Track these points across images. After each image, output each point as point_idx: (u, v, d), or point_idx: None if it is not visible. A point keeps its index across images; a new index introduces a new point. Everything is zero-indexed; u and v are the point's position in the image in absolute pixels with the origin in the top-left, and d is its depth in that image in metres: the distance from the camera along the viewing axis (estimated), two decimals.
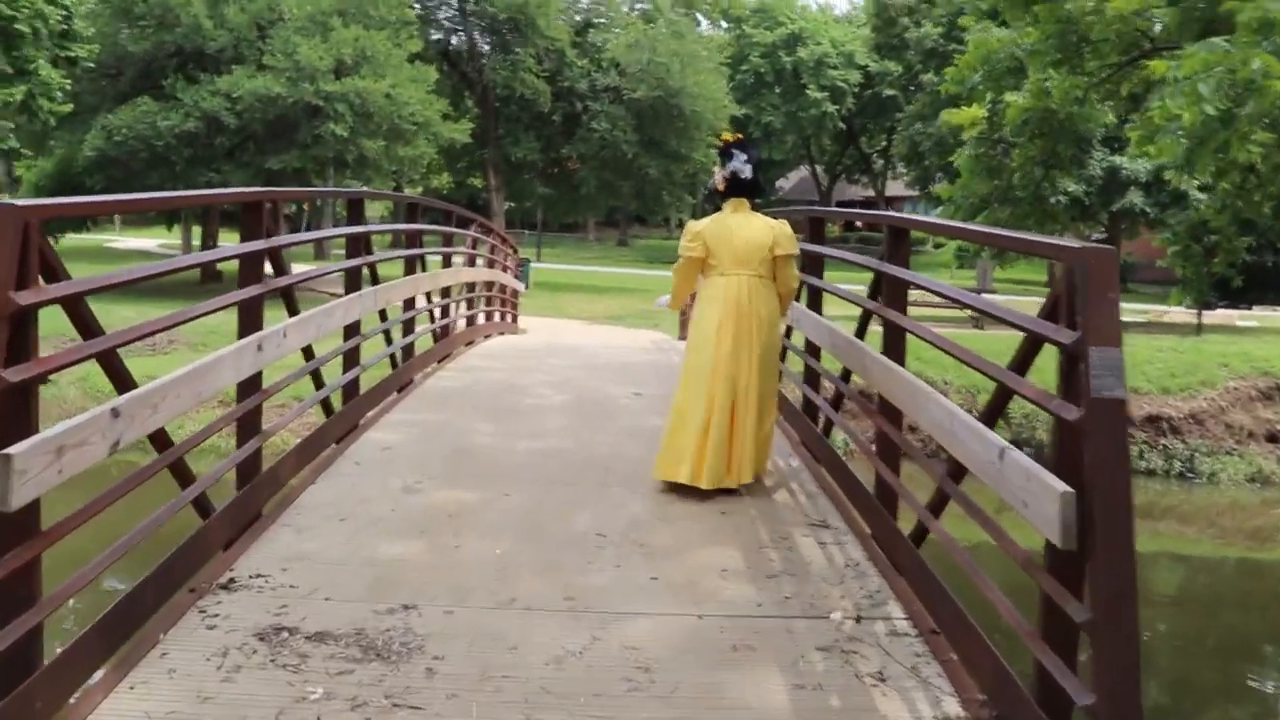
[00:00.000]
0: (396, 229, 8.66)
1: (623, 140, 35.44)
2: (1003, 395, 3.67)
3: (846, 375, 5.93)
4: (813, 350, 6.95)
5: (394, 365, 8.01)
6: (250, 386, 4.72)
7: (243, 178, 26.88)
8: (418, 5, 34.33)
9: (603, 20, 38.82)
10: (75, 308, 3.25)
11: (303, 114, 26.54)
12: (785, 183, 63.37)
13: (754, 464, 5.74)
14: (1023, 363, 3.46)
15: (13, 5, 20.37)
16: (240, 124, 26.48)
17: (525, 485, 5.65)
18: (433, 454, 6.24)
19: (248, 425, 4.80)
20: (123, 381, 3.51)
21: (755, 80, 52.22)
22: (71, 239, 37.32)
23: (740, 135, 6.18)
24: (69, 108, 23.03)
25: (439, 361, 9.84)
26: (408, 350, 8.47)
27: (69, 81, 22.98)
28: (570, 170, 38.33)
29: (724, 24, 56.85)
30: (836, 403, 6.24)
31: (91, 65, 25.01)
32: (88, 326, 3.34)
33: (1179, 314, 33.01)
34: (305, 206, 46.16)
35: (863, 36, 53.89)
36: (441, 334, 10.03)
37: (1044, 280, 27.28)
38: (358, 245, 6.72)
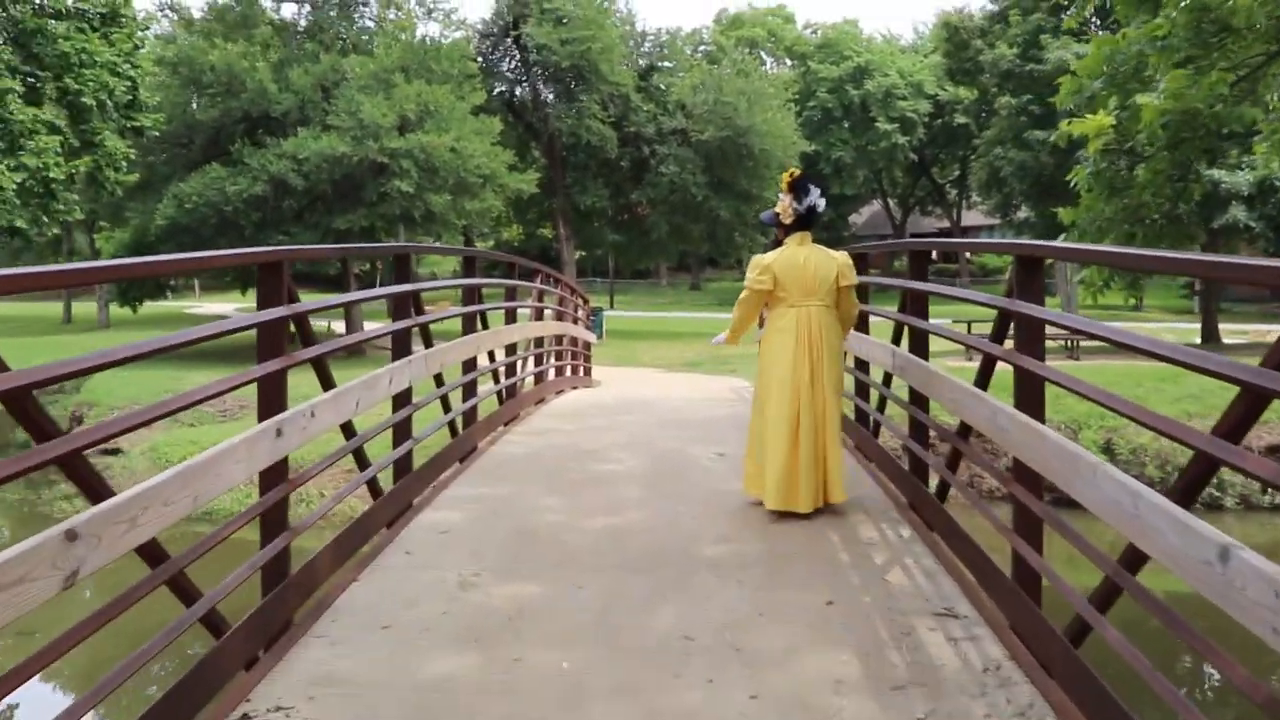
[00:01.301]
0: (451, 284, 8.02)
1: (692, 183, 34.89)
2: (1207, 468, 2.84)
3: (965, 431, 5.12)
4: (919, 401, 6.14)
5: (454, 433, 7.34)
6: (274, 475, 4.05)
7: (311, 239, 26.77)
8: (480, 58, 34.21)
9: (667, 63, 38.40)
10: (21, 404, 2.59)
11: (368, 172, 26.38)
12: (858, 218, 62.39)
13: (838, 488, 6.02)
14: (1237, 427, 2.65)
15: (79, 79, 20.45)
16: (307, 185, 26.38)
17: (597, 574, 4.90)
18: (494, 537, 5.53)
19: (273, 520, 4.13)
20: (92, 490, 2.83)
21: (823, 116, 51.55)
22: (149, 306, 37.67)
23: (802, 170, 6.36)
24: (134, 178, 23.08)
25: (505, 424, 9.17)
26: (469, 416, 7.81)
27: (134, 151, 22.99)
28: (640, 215, 37.82)
29: (788, 61, 56.34)
30: (953, 462, 5.42)
31: (158, 134, 25.09)
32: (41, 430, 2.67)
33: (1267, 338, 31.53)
34: (378, 264, 46.31)
35: (931, 65, 53.04)
36: (508, 394, 9.37)
37: (1129, 305, 26.05)
38: (405, 305, 6.08)
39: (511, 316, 9.95)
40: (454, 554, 5.21)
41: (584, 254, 45.41)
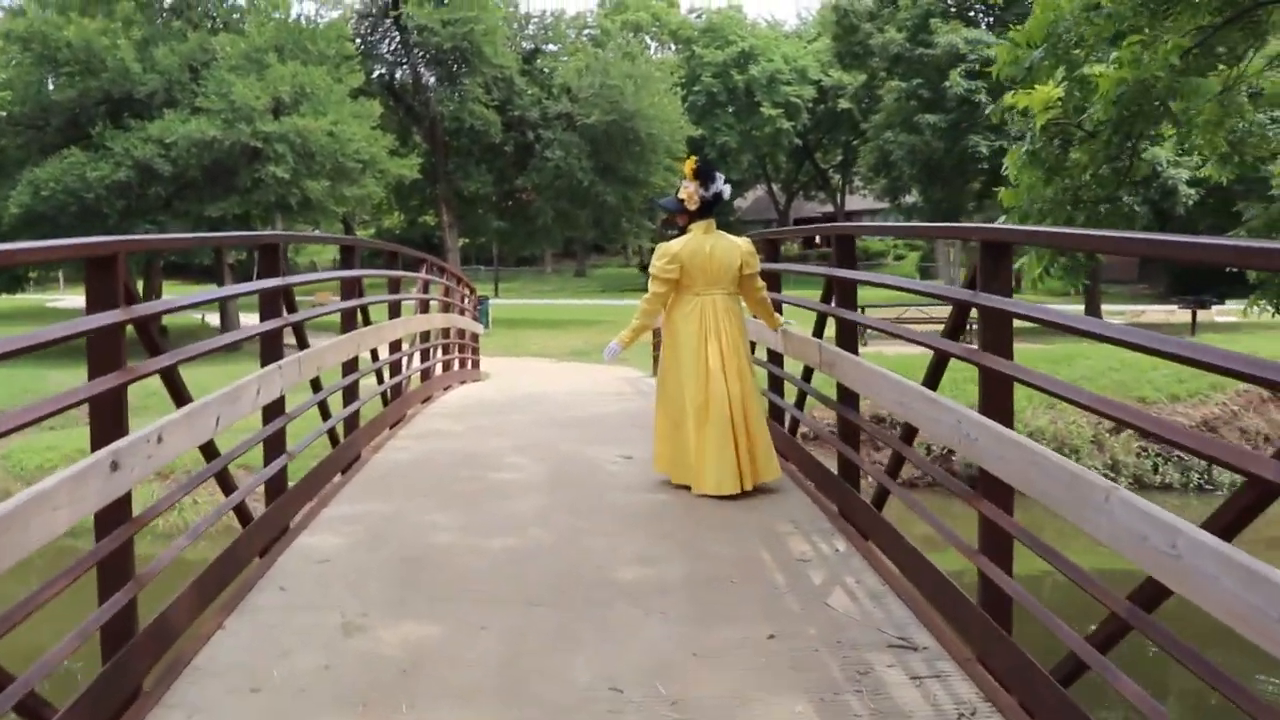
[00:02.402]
0: (328, 276, 7.26)
1: (578, 168, 34.20)
2: (1261, 497, 2.36)
3: (909, 435, 4.64)
4: (848, 400, 5.65)
5: (334, 442, 6.62)
6: (112, 515, 3.33)
7: (181, 227, 25.44)
8: (358, 39, 32.95)
9: (551, 46, 37.59)
10: None
11: (241, 157, 25.15)
12: (743, 202, 62.32)
13: (769, 468, 6.12)
14: None
15: None
16: (175, 171, 25.03)
17: (500, 608, 4.28)
18: (380, 565, 4.85)
19: (113, 570, 3.41)
20: None
21: (708, 100, 51.22)
22: (5, 300, 35.58)
23: (698, 158, 6.33)
24: None
25: (391, 427, 8.45)
26: (351, 421, 7.08)
27: None
28: (525, 201, 36.97)
29: (673, 46, 55.93)
30: (894, 468, 4.93)
31: (5, 115, 23.47)
32: None
33: (1157, 313, 32.13)
34: (255, 254, 44.54)
35: (815, 50, 53.16)
36: (393, 394, 8.65)
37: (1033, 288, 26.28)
38: (275, 302, 5.35)
39: (395, 310, 9.22)
40: (336, 589, 4.53)
41: (467, 241, 44.28)
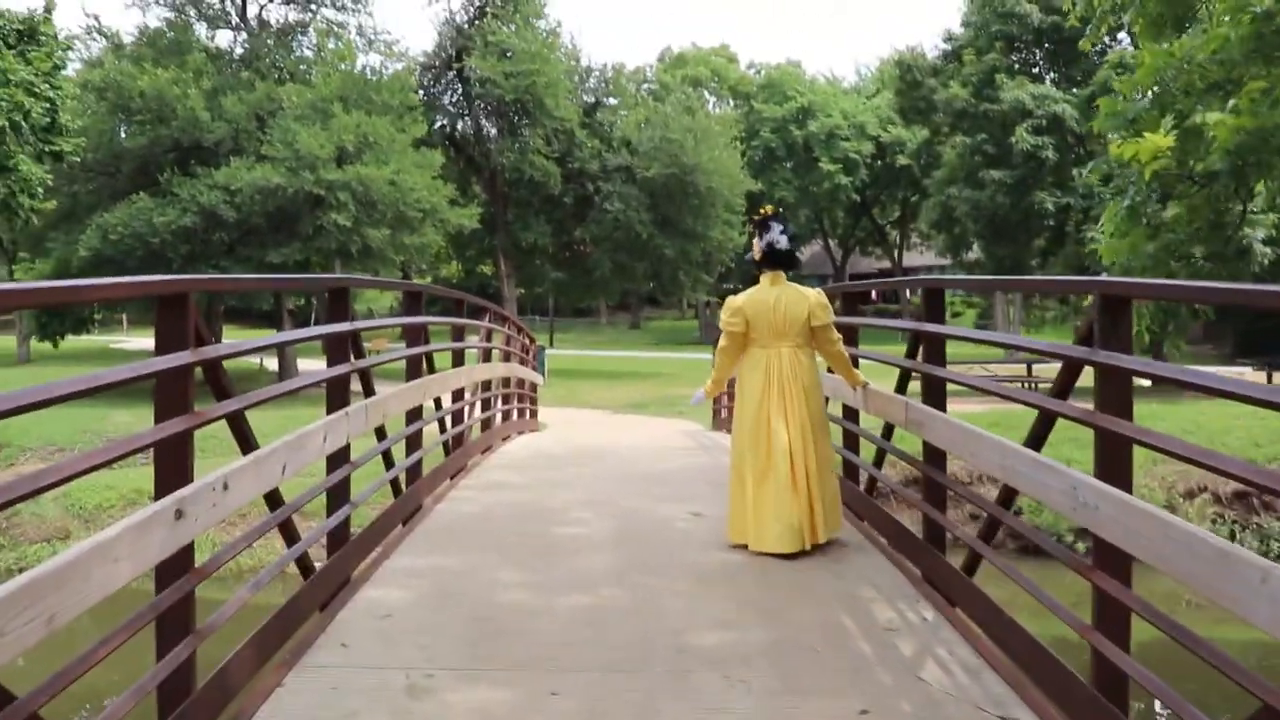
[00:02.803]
0: (394, 322, 7.13)
1: (636, 220, 34.18)
2: None
3: (1008, 498, 4.36)
4: (935, 460, 5.39)
5: (396, 492, 6.45)
6: (174, 565, 3.15)
7: (243, 272, 25.67)
8: (421, 90, 33.34)
9: (611, 99, 37.79)
10: None
11: (304, 204, 25.40)
12: (801, 256, 62.16)
13: (829, 523, 5.90)
14: None
15: None
16: (239, 217, 25.31)
17: (575, 675, 4.04)
18: (446, 623, 4.64)
19: (173, 623, 3.23)
20: None
21: (766, 155, 51.33)
22: (71, 341, 36.10)
23: (777, 208, 6.27)
24: (52, 205, 21.87)
25: (452, 478, 8.28)
26: (413, 471, 6.91)
27: (53, 178, 21.80)
28: (583, 253, 37.00)
29: (732, 101, 56.14)
30: (989, 534, 4.65)
31: (80, 160, 23.90)
32: None
33: (1227, 374, 31.17)
34: (313, 300, 44.94)
35: (873, 106, 53.12)
36: (455, 444, 8.49)
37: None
38: (343, 347, 5.20)
39: (459, 358, 9.09)
40: (400, 647, 4.32)
41: (523, 291, 44.44)
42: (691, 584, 5.33)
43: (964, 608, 4.79)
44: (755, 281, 6.11)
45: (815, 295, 5.98)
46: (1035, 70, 26.81)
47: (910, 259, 58.72)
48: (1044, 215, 24.67)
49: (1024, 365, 21.83)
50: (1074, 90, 25.58)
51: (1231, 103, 6.10)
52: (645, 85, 42.85)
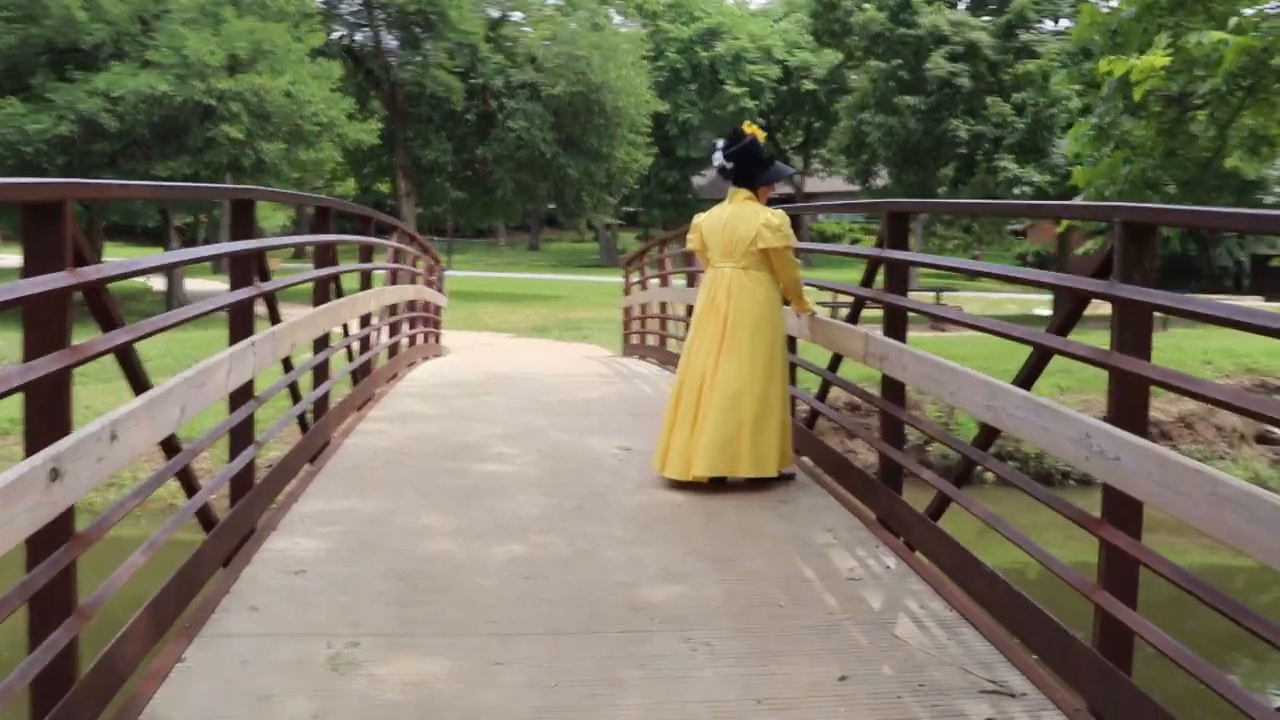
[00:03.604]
0: (303, 240, 6.49)
1: (540, 139, 33.22)
2: None
3: (989, 438, 4.02)
4: (893, 394, 5.04)
5: (304, 428, 5.90)
6: (50, 537, 2.60)
7: None
8: None
9: (517, 14, 36.55)
10: None
11: (193, 115, 24.00)
12: (701, 180, 61.68)
13: (754, 459, 5.42)
14: None
15: None
16: (122, 127, 23.78)
17: (518, 640, 3.61)
18: (367, 579, 4.15)
19: (50, 602, 2.69)
20: None
21: (672, 76, 50.40)
22: None
23: (750, 127, 5.92)
24: None
25: (359, 409, 7.72)
26: (320, 404, 6.35)
27: None
28: (485, 172, 35.94)
29: (638, 19, 54.97)
30: (961, 477, 4.31)
31: None
32: None
33: None
34: (203, 218, 43.02)
35: (780, 30, 52.51)
36: (362, 373, 7.92)
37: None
38: (247, 268, 4.61)
39: (366, 279, 8.47)
40: (317, 608, 3.84)
41: (422, 211, 43.22)
42: (632, 529, 4.93)
43: (929, 554, 4.48)
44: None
45: (768, 215, 5.54)
46: None
47: (811, 184, 58.54)
48: (957, 143, 24.52)
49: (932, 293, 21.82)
50: (988, 19, 25.38)
51: (1234, 21, 5.77)
52: (551, 0, 41.52)
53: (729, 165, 5.71)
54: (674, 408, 5.65)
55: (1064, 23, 26.57)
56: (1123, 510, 3.12)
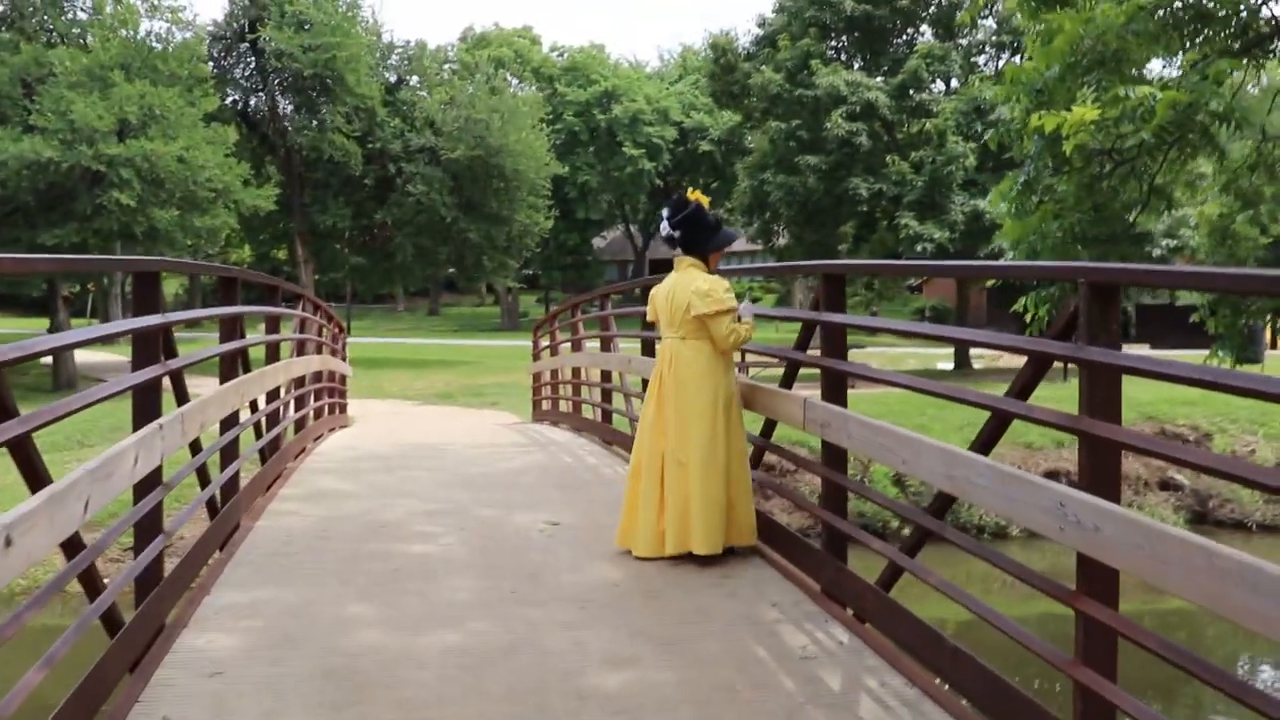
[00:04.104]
0: (209, 314, 6.14)
1: (440, 203, 32.96)
2: None
3: (943, 507, 3.89)
4: (834, 461, 4.89)
5: (212, 512, 5.54)
6: None
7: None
8: (211, 63, 31.16)
9: (415, 78, 36.38)
10: None
11: (81, 181, 23.27)
12: (600, 242, 61.92)
13: (710, 533, 5.26)
14: None
15: None
16: (4, 194, 22.97)
17: None
18: (293, 680, 3.83)
19: None
20: None
21: (569, 139, 50.75)
22: None
23: (695, 194, 5.71)
24: None
25: (267, 488, 7.34)
26: (229, 486, 5.99)
27: None
28: (384, 237, 35.48)
29: (535, 84, 55.29)
30: (915, 547, 4.17)
31: None
32: None
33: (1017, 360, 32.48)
34: (90, 286, 41.65)
35: (676, 92, 53.25)
36: (270, 449, 7.55)
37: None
38: (153, 346, 4.30)
39: (274, 352, 8.12)
40: (241, 717, 3.51)
41: (320, 277, 42.52)
42: (572, 611, 4.68)
43: (883, 629, 4.32)
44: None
45: (699, 282, 5.41)
46: (844, 58, 27.02)
47: None
48: (857, 201, 24.90)
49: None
50: (882, 79, 25.93)
51: (1162, 76, 5.88)
52: (448, 65, 41.41)
53: (675, 234, 5.58)
54: (633, 485, 5.55)
55: (954, 83, 27.36)
56: (1100, 581, 3.00)
